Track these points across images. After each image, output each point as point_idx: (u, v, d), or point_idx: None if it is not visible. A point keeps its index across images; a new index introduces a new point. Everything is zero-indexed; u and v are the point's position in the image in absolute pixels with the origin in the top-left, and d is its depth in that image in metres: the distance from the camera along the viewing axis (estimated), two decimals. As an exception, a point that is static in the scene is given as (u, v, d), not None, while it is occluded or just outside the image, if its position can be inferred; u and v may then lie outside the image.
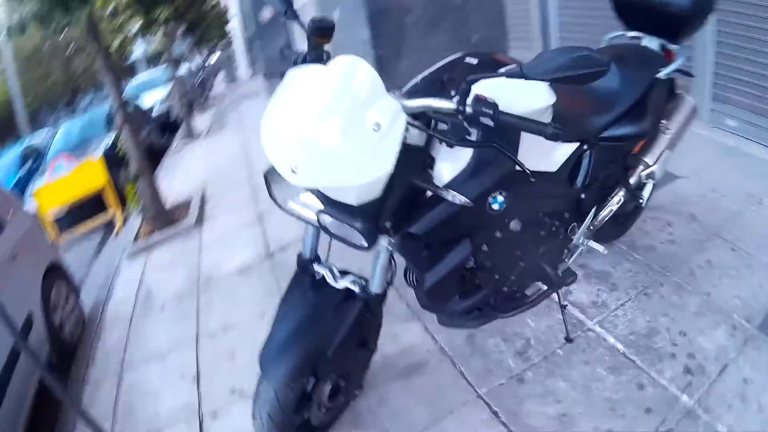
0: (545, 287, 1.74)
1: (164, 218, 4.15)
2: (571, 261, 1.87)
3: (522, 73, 0.97)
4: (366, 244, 1.14)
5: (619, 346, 1.82)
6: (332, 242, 1.44)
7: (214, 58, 17.58)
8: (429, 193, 1.30)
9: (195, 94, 11.96)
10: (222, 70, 17.31)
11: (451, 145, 1.16)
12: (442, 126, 1.17)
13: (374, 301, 1.36)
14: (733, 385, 1.59)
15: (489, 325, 1.79)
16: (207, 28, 11.48)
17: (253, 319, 2.56)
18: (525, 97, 1.26)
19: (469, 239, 1.39)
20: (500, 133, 1.14)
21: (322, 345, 1.31)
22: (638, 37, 1.97)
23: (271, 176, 1.24)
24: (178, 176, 6.09)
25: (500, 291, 1.69)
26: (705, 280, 2.01)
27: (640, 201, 1.95)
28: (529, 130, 1.07)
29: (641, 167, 1.91)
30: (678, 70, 1.85)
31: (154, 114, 9.82)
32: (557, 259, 1.80)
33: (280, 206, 1.29)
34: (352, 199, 1.11)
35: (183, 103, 8.77)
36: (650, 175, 1.90)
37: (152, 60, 14.51)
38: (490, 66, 1.33)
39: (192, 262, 3.45)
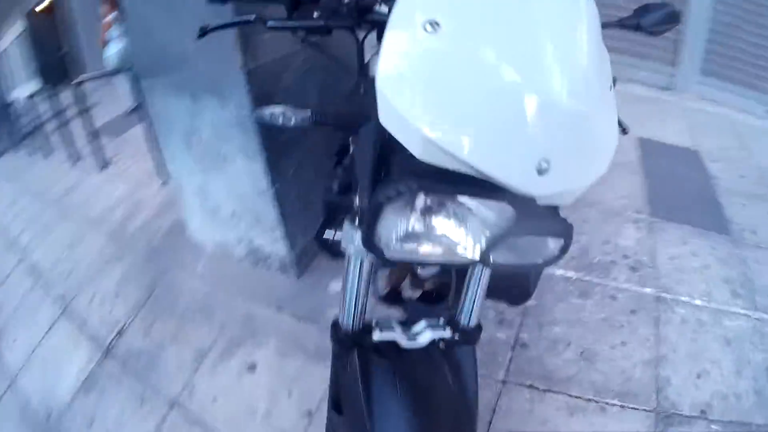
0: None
1: None
2: None
3: (639, 25, 0.91)
4: (562, 254, 0.69)
5: (570, 274, 1.98)
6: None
7: None
8: None
9: None
10: None
11: None
12: None
13: (476, 338, 0.96)
14: (668, 264, 1.92)
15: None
16: None
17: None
18: None
19: None
20: None
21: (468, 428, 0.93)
22: None
23: (390, 203, 0.61)
24: None
25: None
26: (586, 192, 2.35)
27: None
28: None
29: None
30: None
31: None
32: None
33: (381, 255, 0.67)
34: (574, 195, 0.68)
35: None
36: None
37: None
38: None
39: (18, 403, 2.26)
